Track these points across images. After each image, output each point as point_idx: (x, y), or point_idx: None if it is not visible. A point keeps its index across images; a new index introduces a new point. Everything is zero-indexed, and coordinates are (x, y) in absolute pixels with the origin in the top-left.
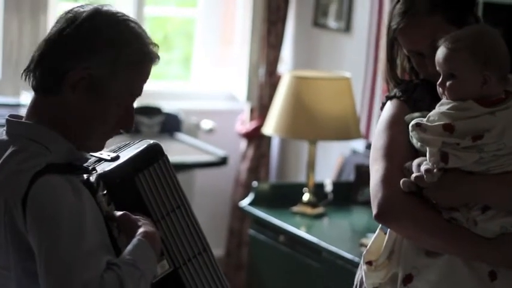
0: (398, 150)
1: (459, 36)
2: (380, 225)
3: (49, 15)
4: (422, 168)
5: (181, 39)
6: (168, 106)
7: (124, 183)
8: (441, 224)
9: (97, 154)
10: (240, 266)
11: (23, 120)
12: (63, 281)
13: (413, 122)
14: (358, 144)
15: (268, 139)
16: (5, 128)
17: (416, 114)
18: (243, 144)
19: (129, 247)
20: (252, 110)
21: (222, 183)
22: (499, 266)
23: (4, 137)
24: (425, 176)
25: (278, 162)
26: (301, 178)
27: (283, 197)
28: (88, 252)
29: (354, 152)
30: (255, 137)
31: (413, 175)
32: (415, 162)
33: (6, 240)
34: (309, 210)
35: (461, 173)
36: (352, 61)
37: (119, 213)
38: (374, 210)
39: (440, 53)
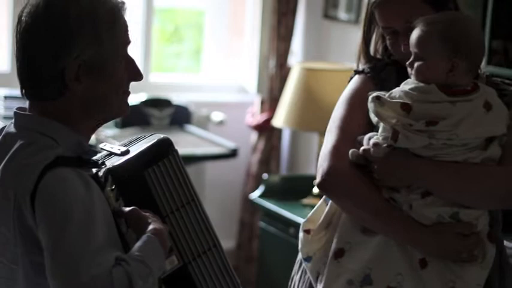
0: (354, 124)
1: (434, 20)
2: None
3: None
4: (372, 141)
5: (192, 32)
6: (178, 98)
7: (133, 178)
8: (379, 203)
9: (107, 147)
10: (251, 258)
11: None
12: (71, 276)
13: (373, 94)
14: None
15: (278, 131)
16: (13, 120)
17: (381, 93)
18: (253, 136)
19: (139, 243)
20: (262, 102)
21: (233, 175)
22: (430, 254)
23: (12, 129)
24: (371, 150)
25: (289, 154)
26: (312, 170)
27: (293, 189)
28: (97, 247)
29: None
30: (266, 129)
31: (362, 148)
32: (367, 135)
33: (15, 234)
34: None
35: (410, 154)
36: None
37: (127, 208)
38: (317, 179)
39: (414, 34)
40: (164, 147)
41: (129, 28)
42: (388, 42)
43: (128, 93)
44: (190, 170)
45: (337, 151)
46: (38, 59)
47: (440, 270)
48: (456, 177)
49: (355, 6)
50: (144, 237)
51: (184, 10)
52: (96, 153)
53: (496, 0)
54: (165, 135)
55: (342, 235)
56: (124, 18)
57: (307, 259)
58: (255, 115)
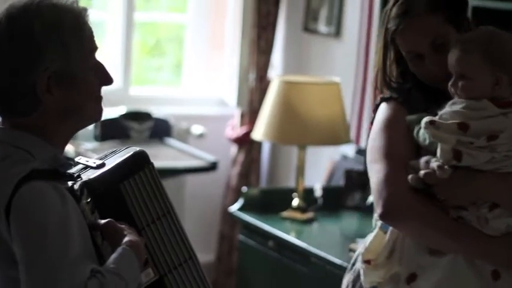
0: (399, 150)
1: (471, 38)
2: (379, 224)
3: None
4: (434, 164)
5: (172, 45)
6: (158, 111)
7: (109, 191)
8: (448, 222)
9: (83, 161)
10: (231, 271)
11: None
12: None
13: (426, 119)
14: (348, 150)
15: (258, 144)
16: None
17: (414, 116)
18: (233, 149)
19: (114, 255)
20: (242, 115)
21: (213, 188)
22: (504, 265)
23: None
24: (437, 172)
25: (268, 167)
26: (291, 183)
27: (273, 202)
28: (73, 260)
29: (344, 157)
30: (246, 142)
31: (422, 171)
32: (423, 159)
33: None
34: (298, 215)
35: (471, 170)
36: (342, 66)
37: (103, 221)
38: (379, 210)
39: (453, 55)
40: (140, 160)
41: (94, 34)
42: (410, 65)
43: (100, 98)
44: (170, 183)
45: (391, 179)
46: (6, 76)
47: None
48: None
49: (335, 20)
50: (119, 250)
51: (165, 24)
52: (71, 165)
53: None
54: (140, 148)
55: (410, 260)
56: (89, 25)
57: None
58: (234, 128)
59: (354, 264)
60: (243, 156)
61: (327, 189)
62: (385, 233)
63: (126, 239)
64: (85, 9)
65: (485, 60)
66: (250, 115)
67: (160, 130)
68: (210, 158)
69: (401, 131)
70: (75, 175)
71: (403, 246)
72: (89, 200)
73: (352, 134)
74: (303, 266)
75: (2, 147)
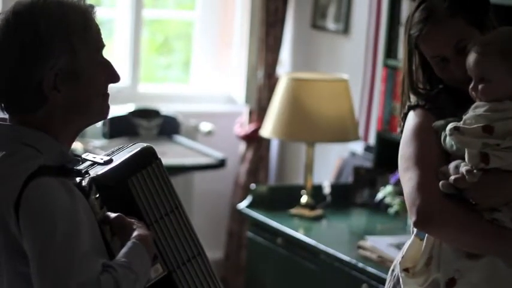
0: (430, 157)
1: (488, 40)
2: (415, 231)
3: None
4: (463, 169)
5: (181, 43)
6: (166, 109)
7: (117, 186)
8: (484, 225)
9: (90, 157)
10: (240, 269)
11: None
12: (59, 284)
13: (450, 126)
14: (357, 146)
15: (267, 141)
16: None
17: (441, 121)
18: (242, 146)
19: (124, 250)
20: (250, 113)
21: (221, 185)
22: None
23: None
24: (467, 177)
25: (277, 164)
26: (300, 180)
27: (281, 199)
28: (83, 254)
29: (353, 154)
30: (254, 139)
31: (452, 177)
32: (452, 164)
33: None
34: (307, 212)
35: (501, 172)
36: (351, 63)
37: (112, 215)
38: (413, 218)
39: (471, 58)
40: (147, 156)
41: (102, 31)
42: (436, 70)
43: (107, 96)
44: (179, 180)
45: (424, 186)
46: (13, 74)
47: None
48: None
49: (343, 17)
50: (129, 243)
51: (174, 21)
52: (79, 162)
53: None
54: (148, 144)
55: (448, 265)
56: (95, 22)
57: None
58: (243, 125)
59: (393, 271)
60: (252, 153)
61: (335, 186)
62: (422, 240)
63: (135, 233)
64: (92, 7)
65: (504, 61)
66: (259, 112)
67: (169, 127)
68: (218, 155)
69: (430, 138)
70: (83, 171)
71: (440, 252)
72: (97, 195)
73: (361, 130)
74: (312, 263)
75: (10, 143)
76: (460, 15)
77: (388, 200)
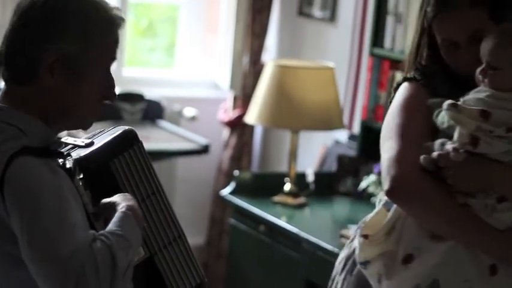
0: (415, 131)
1: (505, 30)
2: (383, 201)
3: None
4: (449, 147)
5: (166, 26)
6: (150, 93)
7: (99, 168)
8: (454, 207)
9: (71, 140)
10: (221, 255)
11: None
12: (50, 253)
13: (449, 101)
14: (341, 135)
15: (251, 128)
16: None
17: (437, 100)
18: (225, 132)
19: (114, 219)
20: (235, 99)
21: (204, 171)
22: (502, 260)
23: None
24: (452, 154)
25: (260, 151)
26: (283, 168)
27: (264, 186)
28: (72, 225)
29: (337, 143)
30: (238, 125)
31: (436, 153)
32: (438, 141)
33: None
34: (290, 200)
35: (485, 158)
36: (337, 51)
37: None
38: (386, 186)
39: (487, 45)
40: (129, 138)
41: (119, 46)
42: (443, 52)
43: (97, 111)
44: (162, 165)
45: (403, 157)
46: (22, 39)
47: (511, 277)
48: None
49: (329, 4)
50: (118, 214)
51: (159, 5)
52: (62, 144)
53: None
54: (129, 127)
55: (409, 241)
56: (118, 35)
57: (364, 263)
58: (227, 111)
59: (352, 241)
60: (235, 139)
61: (319, 175)
62: (388, 210)
63: (122, 203)
64: (122, 19)
65: None
66: (243, 98)
67: (153, 112)
68: (202, 140)
69: (419, 112)
70: (65, 153)
71: (404, 227)
72: (81, 176)
73: (345, 119)
74: (294, 250)
75: None
76: (483, 6)
77: (371, 189)
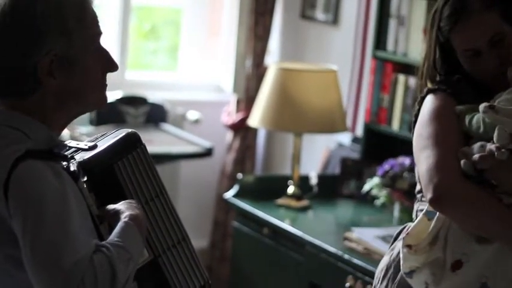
0: (451, 138)
1: None
2: (424, 211)
3: None
4: (491, 146)
5: (169, 29)
6: (153, 96)
7: (103, 170)
8: (501, 208)
9: (74, 144)
10: (225, 258)
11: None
12: (52, 263)
13: (484, 104)
14: (344, 138)
15: (254, 131)
16: None
17: (463, 106)
18: (229, 135)
19: (116, 229)
20: (238, 102)
21: (208, 174)
22: None
23: None
24: (496, 153)
25: (264, 154)
26: (287, 170)
27: (268, 189)
28: (75, 233)
29: (340, 145)
30: (241, 128)
31: (477, 155)
32: (477, 144)
33: None
34: (293, 203)
35: None
36: (340, 54)
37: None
38: (429, 195)
39: None
40: (132, 141)
41: (99, 19)
42: (467, 63)
43: (105, 86)
44: (165, 168)
45: (443, 165)
46: (7, 58)
47: None
48: None
49: (332, 7)
50: (121, 224)
51: (162, 8)
52: (66, 147)
53: None
54: (132, 130)
55: (456, 247)
56: (93, 9)
57: (410, 273)
58: (230, 114)
59: (392, 249)
60: (239, 142)
61: (322, 177)
62: (430, 220)
63: (126, 213)
64: None
65: None
66: (247, 101)
67: (156, 115)
68: (205, 144)
69: (451, 120)
70: (69, 156)
71: (448, 234)
72: (85, 179)
73: (348, 122)
74: (298, 253)
75: None
76: (495, 8)
77: (374, 191)
